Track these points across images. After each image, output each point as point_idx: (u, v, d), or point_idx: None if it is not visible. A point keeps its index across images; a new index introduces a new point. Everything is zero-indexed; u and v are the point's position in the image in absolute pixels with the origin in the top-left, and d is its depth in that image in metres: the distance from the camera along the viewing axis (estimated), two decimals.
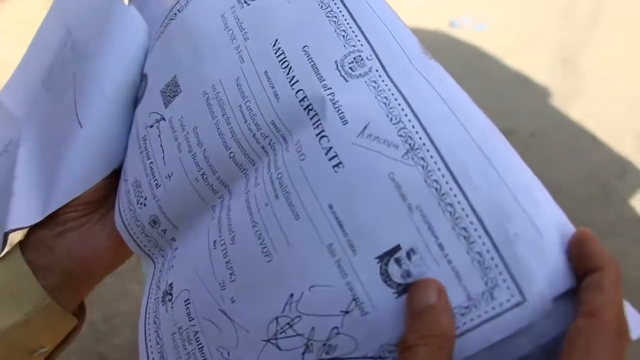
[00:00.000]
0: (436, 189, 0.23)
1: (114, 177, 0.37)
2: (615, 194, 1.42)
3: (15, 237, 0.36)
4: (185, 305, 0.29)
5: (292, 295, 0.25)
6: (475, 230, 0.22)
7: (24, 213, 0.36)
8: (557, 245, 0.22)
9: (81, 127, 0.36)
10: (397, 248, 0.24)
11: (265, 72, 0.29)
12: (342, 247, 0.25)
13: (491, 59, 1.86)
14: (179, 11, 0.35)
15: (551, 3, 2.04)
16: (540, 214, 0.23)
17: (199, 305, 0.29)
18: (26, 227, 0.36)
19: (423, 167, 0.24)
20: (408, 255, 0.23)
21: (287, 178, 0.27)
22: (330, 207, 0.25)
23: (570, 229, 0.23)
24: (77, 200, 0.35)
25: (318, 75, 0.28)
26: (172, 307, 0.30)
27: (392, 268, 0.23)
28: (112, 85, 0.36)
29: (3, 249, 0.36)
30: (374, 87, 0.26)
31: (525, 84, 1.76)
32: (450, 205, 0.23)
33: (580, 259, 0.22)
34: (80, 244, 0.36)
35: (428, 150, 0.24)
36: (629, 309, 0.22)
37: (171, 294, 0.31)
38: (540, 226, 0.22)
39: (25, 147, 0.39)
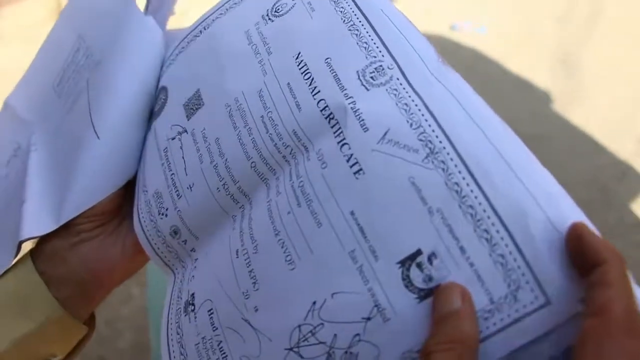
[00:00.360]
0: (457, 191, 0.23)
1: (128, 188, 0.37)
2: (615, 198, 1.42)
3: (25, 245, 0.36)
4: (209, 315, 0.30)
5: (314, 302, 0.25)
6: (498, 231, 0.22)
7: (37, 221, 0.35)
8: None
9: (98, 138, 0.36)
10: (419, 252, 0.24)
11: (288, 83, 0.30)
12: (364, 253, 0.25)
13: (491, 62, 1.86)
14: (205, 29, 0.37)
15: (550, 6, 2.05)
16: (559, 215, 0.23)
17: (222, 314, 0.29)
18: (39, 237, 0.36)
19: (443, 170, 0.24)
20: (429, 259, 0.23)
21: (309, 186, 0.27)
22: (352, 213, 0.26)
23: (584, 219, 0.23)
24: (91, 210, 0.35)
25: (340, 85, 0.28)
26: (195, 318, 0.30)
27: (414, 273, 0.23)
28: (128, 96, 0.36)
29: (16, 256, 0.36)
30: (395, 95, 0.27)
31: (526, 87, 1.76)
32: (472, 207, 0.23)
33: (580, 255, 0.21)
34: (95, 256, 0.36)
35: (448, 154, 0.24)
36: None
37: (194, 304, 0.31)
38: (560, 227, 0.22)
39: (37, 153, 0.39)
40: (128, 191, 0.37)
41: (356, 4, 0.31)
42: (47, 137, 0.40)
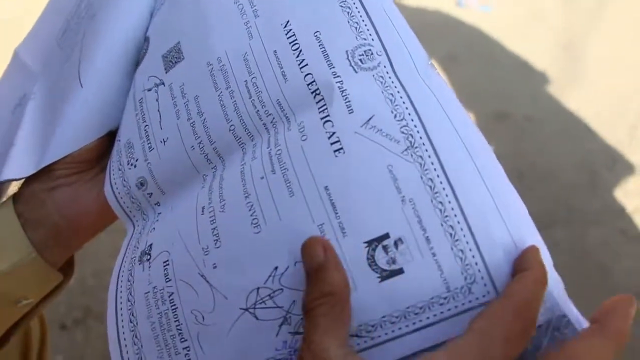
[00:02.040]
0: (430, 186, 0.25)
1: (109, 138, 0.37)
2: (602, 184, 1.43)
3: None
4: (164, 266, 0.30)
5: (276, 268, 0.26)
6: (462, 229, 0.24)
7: (20, 165, 0.36)
8: None
9: (81, 86, 0.36)
10: (386, 236, 0.25)
11: (275, 51, 0.30)
12: (332, 229, 0.26)
13: (493, 41, 1.85)
14: None
15: None
16: (516, 226, 0.24)
17: (178, 267, 0.29)
18: (20, 179, 0.37)
19: (420, 164, 0.25)
20: (396, 243, 0.24)
21: (287, 155, 0.28)
22: (326, 188, 0.26)
23: (538, 241, 0.25)
24: (70, 157, 0.36)
25: (328, 62, 0.28)
26: (149, 267, 0.30)
27: (379, 254, 0.25)
28: (115, 46, 0.37)
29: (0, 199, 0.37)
30: (381, 82, 0.27)
31: (525, 68, 1.75)
32: (442, 203, 0.24)
33: (517, 263, 0.24)
34: (69, 201, 0.36)
35: (427, 150, 0.25)
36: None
37: (149, 254, 0.31)
38: (515, 236, 0.24)
39: (34, 101, 0.40)
40: (109, 143, 0.38)
41: None
42: (46, 86, 0.40)
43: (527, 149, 1.50)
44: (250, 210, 0.28)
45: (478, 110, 1.60)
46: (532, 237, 0.25)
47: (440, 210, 0.24)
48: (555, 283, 0.24)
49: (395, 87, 0.27)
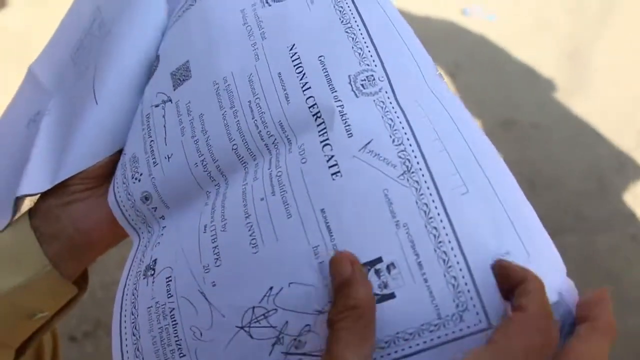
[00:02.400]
0: (425, 211, 0.25)
1: (120, 155, 0.38)
2: (612, 190, 1.42)
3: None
4: (167, 282, 0.30)
5: (271, 288, 0.26)
6: (455, 256, 0.24)
7: (35, 180, 0.37)
8: None
9: (96, 103, 0.37)
10: (379, 260, 0.25)
11: (279, 73, 0.31)
12: (327, 251, 0.26)
13: (499, 49, 1.85)
14: None
15: None
16: (530, 238, 0.24)
17: (179, 283, 0.30)
18: (36, 194, 0.37)
19: (416, 189, 0.25)
20: (388, 268, 0.24)
21: (286, 177, 0.28)
22: (323, 211, 0.26)
23: (554, 253, 0.25)
24: (84, 173, 0.37)
25: (330, 86, 0.29)
26: (153, 282, 0.31)
27: (372, 278, 0.25)
28: (128, 65, 0.38)
29: (15, 214, 0.37)
30: (382, 108, 0.28)
31: (531, 76, 1.75)
32: (436, 229, 0.24)
33: (506, 279, 0.23)
34: (83, 215, 0.37)
35: (423, 175, 0.25)
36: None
37: (154, 269, 0.32)
38: (529, 248, 0.24)
39: (49, 117, 0.40)
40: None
41: (355, 7, 0.31)
42: (60, 103, 0.41)
43: (534, 156, 1.50)
44: (249, 230, 0.28)
45: (484, 118, 1.60)
46: (547, 249, 0.25)
47: (434, 235, 0.24)
48: (569, 291, 0.24)
49: (395, 112, 0.27)
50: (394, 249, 0.25)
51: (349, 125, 0.28)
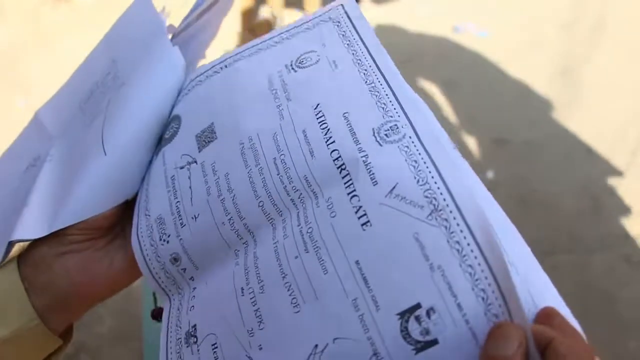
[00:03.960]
0: (458, 250, 0.24)
1: (124, 208, 0.37)
2: (606, 209, 1.42)
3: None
4: (213, 349, 0.30)
5: (316, 346, 0.26)
6: (493, 292, 0.23)
7: (31, 226, 0.36)
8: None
9: (105, 154, 0.36)
10: (418, 306, 0.24)
11: (304, 130, 0.31)
12: (366, 302, 0.26)
13: (491, 66, 1.86)
14: (226, 67, 0.38)
15: (555, 16, 2.05)
16: (538, 295, 0.25)
17: (226, 350, 0.30)
18: (29, 240, 0.36)
19: (446, 227, 0.25)
20: (428, 313, 0.24)
21: (318, 233, 0.29)
22: (357, 263, 0.27)
23: (567, 313, 0.26)
24: (84, 223, 0.35)
25: (354, 139, 0.30)
26: (198, 351, 0.31)
27: (412, 325, 0.24)
28: (141, 119, 0.37)
29: (5, 258, 0.36)
30: (406, 152, 0.28)
31: (523, 94, 1.76)
32: (471, 267, 0.24)
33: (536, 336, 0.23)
34: (80, 268, 0.35)
35: (451, 212, 0.25)
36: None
37: (196, 337, 0.32)
38: (538, 303, 0.25)
39: (50, 163, 0.40)
40: (124, 212, 0.38)
41: (378, 68, 0.32)
42: (63, 151, 0.41)
43: (527, 174, 1.50)
44: (288, 290, 0.28)
45: (477, 135, 1.60)
46: (561, 309, 0.25)
47: (470, 274, 0.24)
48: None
49: (419, 153, 0.28)
50: (432, 293, 0.24)
51: (373, 173, 0.28)
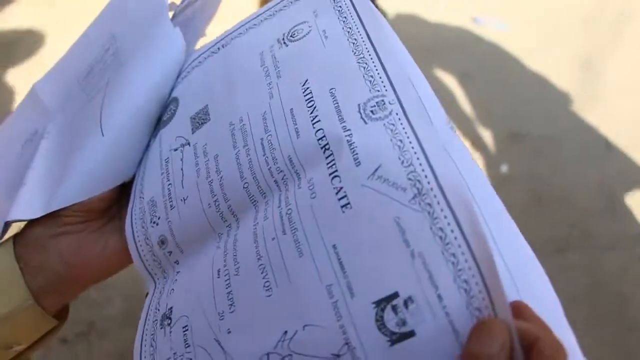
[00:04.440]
0: (441, 237, 0.23)
1: (120, 190, 0.37)
2: (621, 207, 1.39)
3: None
4: (184, 331, 0.30)
5: (285, 332, 0.25)
6: (477, 284, 0.22)
7: (28, 206, 0.36)
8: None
9: (102, 135, 0.36)
10: (395, 295, 0.23)
11: (291, 109, 0.30)
12: (340, 289, 0.24)
13: (511, 59, 1.83)
14: (223, 46, 0.37)
15: (577, 10, 2.00)
16: (527, 290, 0.24)
17: (196, 332, 0.29)
18: (25, 220, 0.36)
19: (429, 213, 0.23)
20: (405, 303, 0.23)
21: (296, 214, 0.27)
22: (334, 247, 0.25)
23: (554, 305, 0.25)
24: (80, 205, 0.35)
25: (340, 117, 0.28)
26: (170, 332, 0.31)
27: (388, 315, 0.23)
28: (140, 101, 0.37)
29: (1, 237, 0.36)
30: (391, 130, 0.26)
31: (542, 87, 1.73)
32: (454, 255, 0.22)
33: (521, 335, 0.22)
34: (74, 249, 0.36)
35: (435, 196, 0.24)
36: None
37: (170, 319, 0.31)
38: (524, 297, 0.24)
39: (48, 140, 0.40)
40: (120, 194, 0.37)
41: (369, 37, 0.31)
42: (61, 128, 0.40)
43: (543, 170, 1.47)
44: (262, 273, 0.27)
45: (493, 130, 1.57)
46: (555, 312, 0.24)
47: (453, 263, 0.22)
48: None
49: (406, 132, 0.26)
50: (411, 282, 0.23)
51: (356, 153, 0.27)
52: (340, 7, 0.33)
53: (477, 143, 1.51)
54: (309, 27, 0.34)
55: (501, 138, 1.56)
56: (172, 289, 0.33)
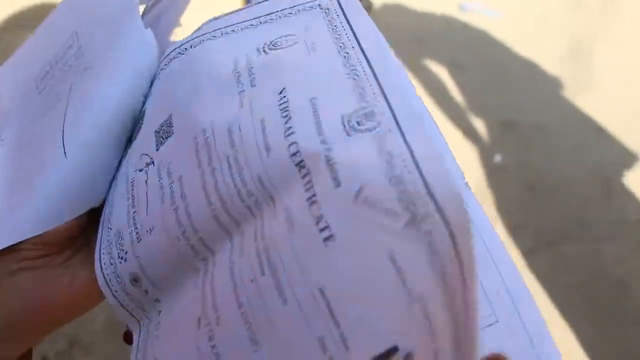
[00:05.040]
0: (443, 274, 0.19)
1: (87, 218, 0.32)
2: (617, 195, 1.38)
3: None
4: None
5: None
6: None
7: None
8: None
9: (65, 156, 0.31)
10: (394, 350, 0.19)
11: (262, 120, 0.26)
12: (334, 342, 0.20)
13: (500, 47, 1.80)
14: (191, 47, 0.32)
15: None
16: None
17: None
18: None
19: (428, 243, 0.19)
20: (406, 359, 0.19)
21: (275, 251, 0.23)
22: (322, 291, 0.21)
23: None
24: (40, 237, 0.30)
25: (318, 129, 0.24)
26: None
27: None
28: (108, 115, 0.31)
29: None
30: (379, 142, 0.22)
31: (533, 75, 1.70)
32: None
33: None
34: (34, 288, 0.31)
35: (434, 223, 0.19)
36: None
37: None
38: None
39: (2, 148, 0.34)
40: (92, 218, 0.32)
41: (363, 52, 0.27)
42: (16, 135, 0.35)
43: (536, 158, 1.45)
44: (245, 323, 0.23)
45: (485, 118, 1.55)
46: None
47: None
48: None
49: (398, 144, 0.22)
50: (410, 334, 0.19)
51: (336, 171, 0.22)
52: (332, 19, 0.29)
53: (470, 133, 1.49)
54: (296, 39, 0.29)
55: (494, 127, 1.53)
56: (157, 335, 0.29)
